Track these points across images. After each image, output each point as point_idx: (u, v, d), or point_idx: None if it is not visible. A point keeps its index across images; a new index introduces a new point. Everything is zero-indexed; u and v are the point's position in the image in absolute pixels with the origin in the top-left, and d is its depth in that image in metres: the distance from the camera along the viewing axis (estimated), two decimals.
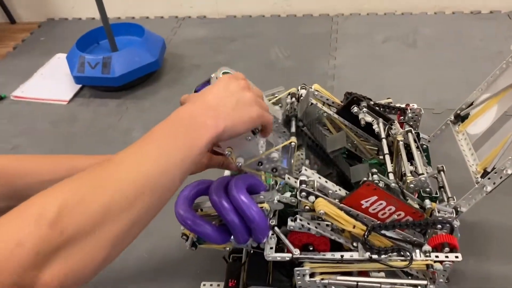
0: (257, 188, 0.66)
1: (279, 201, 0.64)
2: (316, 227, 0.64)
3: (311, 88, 0.85)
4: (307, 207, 0.63)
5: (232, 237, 0.65)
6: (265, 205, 0.63)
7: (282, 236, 0.66)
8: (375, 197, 0.65)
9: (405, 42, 1.67)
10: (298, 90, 0.84)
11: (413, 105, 0.86)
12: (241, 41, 1.81)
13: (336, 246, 0.70)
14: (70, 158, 0.64)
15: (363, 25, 1.83)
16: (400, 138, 0.78)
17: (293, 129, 0.73)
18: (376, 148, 0.90)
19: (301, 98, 0.81)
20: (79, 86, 1.59)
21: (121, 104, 1.50)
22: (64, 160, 0.62)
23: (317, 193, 0.62)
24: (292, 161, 0.71)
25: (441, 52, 1.57)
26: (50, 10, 2.21)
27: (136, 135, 1.35)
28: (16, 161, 0.57)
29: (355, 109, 0.82)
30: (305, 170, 0.65)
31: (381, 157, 0.90)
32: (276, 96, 0.86)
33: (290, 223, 0.65)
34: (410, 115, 0.85)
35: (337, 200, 0.64)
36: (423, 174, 0.70)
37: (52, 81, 1.65)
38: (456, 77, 1.43)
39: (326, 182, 0.66)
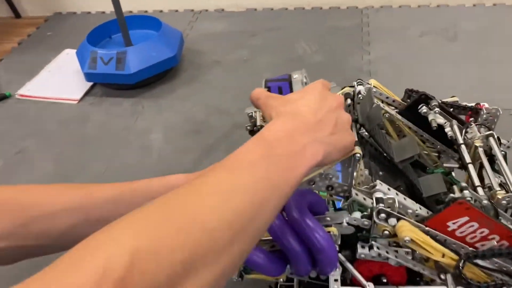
0: (318, 207, 0.55)
1: (348, 223, 0.52)
2: (396, 256, 0.53)
3: (369, 84, 0.73)
4: (386, 232, 0.51)
5: (288, 266, 0.53)
6: (333, 229, 0.51)
7: (350, 267, 0.54)
8: (466, 218, 0.53)
9: (444, 36, 1.55)
10: (355, 86, 0.72)
11: (483, 104, 0.74)
12: (263, 35, 1.70)
13: (411, 276, 0.58)
14: (85, 186, 0.50)
15: (396, 18, 1.71)
16: (478, 143, 0.66)
17: (355, 137, 0.61)
18: (437, 154, 0.78)
19: (360, 97, 0.70)
20: (90, 84, 1.48)
21: (136, 103, 1.39)
22: (77, 188, 0.49)
23: (399, 214, 0.51)
24: (355, 174, 0.59)
25: (487, 47, 1.45)
26: (57, 4, 2.10)
27: (155, 137, 1.24)
28: (18, 193, 0.44)
29: (423, 109, 0.70)
30: (380, 184, 0.53)
31: (446, 165, 0.78)
32: None
33: (362, 250, 0.53)
34: (484, 116, 0.73)
35: (418, 222, 0.52)
36: None
37: (60, 79, 1.54)
38: (510, 73, 1.30)
39: (405, 199, 0.54)
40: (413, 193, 0.66)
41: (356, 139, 0.59)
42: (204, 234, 0.29)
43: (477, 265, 0.54)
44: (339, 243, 0.52)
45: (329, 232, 0.51)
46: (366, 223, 0.53)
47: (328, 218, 0.52)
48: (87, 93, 1.46)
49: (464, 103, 0.76)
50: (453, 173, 0.71)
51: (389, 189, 0.54)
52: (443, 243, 0.53)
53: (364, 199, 0.56)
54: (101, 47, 1.50)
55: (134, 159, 1.17)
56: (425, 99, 0.71)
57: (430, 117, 0.70)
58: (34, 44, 1.84)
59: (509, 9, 1.67)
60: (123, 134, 1.27)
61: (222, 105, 1.34)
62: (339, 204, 0.63)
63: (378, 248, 0.52)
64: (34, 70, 1.60)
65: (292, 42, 1.62)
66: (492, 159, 0.67)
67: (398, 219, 0.50)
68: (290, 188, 0.37)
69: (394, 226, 0.50)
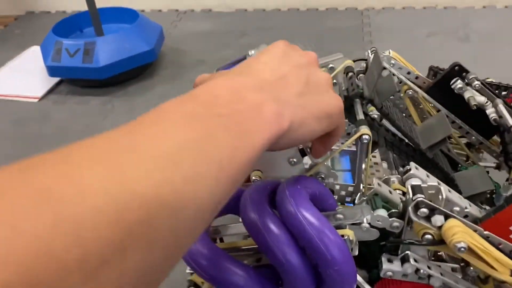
0: (324, 202, 0.38)
1: (371, 225, 0.36)
2: (442, 274, 0.36)
3: (387, 53, 0.58)
4: (427, 236, 0.34)
5: None
6: (348, 232, 0.35)
7: None
8: None
9: (455, 36, 1.42)
10: (368, 56, 0.57)
11: None
12: (253, 35, 1.56)
13: None
14: None
15: (400, 19, 1.58)
16: None
17: (360, 115, 0.45)
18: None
19: (361, 71, 0.54)
20: (54, 81, 1.32)
21: (106, 102, 1.23)
22: None
23: (446, 210, 0.34)
24: (363, 166, 0.43)
25: (501, 48, 1.32)
26: (29, 2, 1.96)
27: None
28: None
29: (458, 84, 0.55)
30: (416, 168, 0.37)
31: (480, 163, 0.62)
32: (331, 68, 0.59)
33: (389, 266, 0.37)
34: None
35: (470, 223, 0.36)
36: None
37: (22, 76, 1.38)
38: None
39: (450, 191, 0.38)
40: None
41: (363, 118, 0.43)
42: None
43: None
44: (356, 253, 0.36)
45: (342, 236, 0.35)
46: (396, 224, 0.36)
47: (341, 216, 0.35)
48: (51, 91, 1.30)
49: (505, 83, 0.61)
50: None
51: (428, 175, 0.38)
52: (508, 254, 0.36)
53: (390, 192, 0.39)
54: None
55: None
56: (460, 71, 0.56)
57: (467, 95, 0.54)
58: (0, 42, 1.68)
59: None
60: (87, 134, 1.09)
61: None
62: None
63: (416, 260, 0.35)
64: None
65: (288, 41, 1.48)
66: None
67: (447, 216, 0.34)
68: (243, 163, 0.25)
69: (440, 227, 0.34)
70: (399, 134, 0.49)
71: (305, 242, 0.33)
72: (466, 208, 0.38)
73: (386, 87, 0.45)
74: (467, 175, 0.51)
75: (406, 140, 0.49)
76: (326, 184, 0.42)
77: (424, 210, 0.33)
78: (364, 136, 0.39)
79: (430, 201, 0.36)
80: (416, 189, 0.35)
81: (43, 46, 1.30)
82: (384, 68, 0.54)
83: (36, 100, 1.26)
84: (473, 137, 0.59)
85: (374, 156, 0.55)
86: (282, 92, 0.30)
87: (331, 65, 0.60)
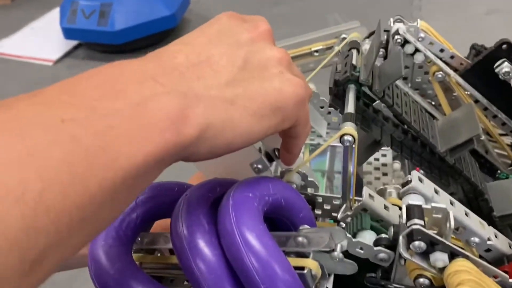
0: (294, 212, 0.29)
1: (347, 254, 0.26)
2: None
3: (414, 23, 0.46)
4: (423, 279, 0.25)
5: None
6: (310, 264, 0.25)
7: None
8: None
9: None
10: (391, 25, 0.46)
11: None
12: (288, 4, 1.45)
13: None
14: None
15: None
16: None
17: (349, 107, 0.33)
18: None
19: (398, 40, 0.43)
20: (73, 44, 1.28)
21: None
22: None
23: (454, 246, 0.24)
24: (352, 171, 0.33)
25: None
26: None
27: None
28: None
29: (504, 67, 0.43)
30: (419, 181, 0.27)
31: None
32: (344, 38, 0.49)
33: None
34: None
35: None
36: None
37: (42, 38, 1.35)
38: None
39: (466, 215, 0.28)
40: (477, 208, 0.39)
41: (351, 111, 0.33)
42: None
43: None
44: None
45: (299, 269, 0.25)
46: (383, 256, 0.27)
47: (303, 240, 0.26)
48: (67, 55, 1.26)
49: None
50: None
51: (436, 191, 0.27)
52: None
53: (386, 207, 0.30)
54: None
55: None
56: (508, 50, 0.44)
57: None
58: (29, 0, 1.66)
59: None
60: None
61: None
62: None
63: None
64: (17, 27, 1.41)
65: (322, 13, 1.36)
66: None
67: (453, 255, 0.24)
68: (106, 191, 0.17)
69: (442, 269, 0.24)
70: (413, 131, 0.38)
71: (242, 275, 0.24)
72: (489, 240, 0.28)
73: (391, 69, 0.34)
74: (504, 187, 0.40)
75: (421, 139, 0.38)
76: (305, 196, 0.33)
77: (421, 244, 0.24)
78: (345, 138, 0.29)
79: (435, 230, 0.26)
80: (413, 211, 0.25)
81: (62, 7, 1.25)
82: (404, 44, 0.43)
83: (51, 63, 1.22)
84: None
85: (384, 155, 0.44)
86: (196, 82, 0.21)
87: (343, 35, 0.49)
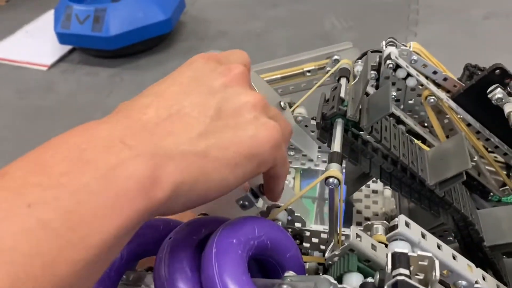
0: (280, 252, 0.29)
1: None
2: None
3: (406, 46, 0.46)
4: None
5: None
6: None
7: None
8: None
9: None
10: (383, 49, 0.46)
11: None
12: (286, 7, 1.44)
13: None
14: None
15: None
16: None
17: (335, 145, 0.33)
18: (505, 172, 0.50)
19: (389, 65, 0.43)
20: (67, 48, 1.27)
21: (115, 75, 1.16)
22: None
23: None
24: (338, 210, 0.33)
25: None
26: None
27: None
28: None
29: (497, 93, 0.43)
30: (405, 225, 0.27)
31: None
32: (336, 60, 0.48)
33: None
34: None
35: None
36: None
37: (36, 41, 1.34)
38: None
39: (454, 258, 0.28)
40: (468, 237, 0.39)
41: (338, 150, 0.32)
42: None
43: None
44: None
45: None
46: None
47: (285, 287, 0.26)
48: (61, 59, 1.25)
49: None
50: None
51: (423, 235, 0.27)
52: None
53: (373, 247, 0.29)
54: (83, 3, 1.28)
55: None
56: (501, 76, 0.44)
57: (508, 109, 0.42)
58: (24, 1, 1.64)
59: None
60: (89, 110, 1.04)
61: None
62: None
63: None
64: (12, 29, 1.40)
65: (320, 16, 1.36)
66: None
67: None
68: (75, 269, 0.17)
69: None
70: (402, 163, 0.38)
71: None
72: (477, 283, 0.28)
73: (379, 104, 0.34)
74: (496, 215, 0.40)
75: (411, 173, 0.38)
76: (292, 231, 0.33)
77: None
78: (330, 180, 0.29)
79: (421, 276, 0.26)
80: (399, 259, 0.25)
81: (56, 11, 1.24)
82: (396, 69, 0.43)
83: (45, 68, 1.21)
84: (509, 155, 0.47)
85: (375, 181, 0.44)
86: (166, 140, 0.21)
87: (335, 57, 0.49)
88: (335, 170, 0.29)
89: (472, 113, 0.45)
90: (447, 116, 0.47)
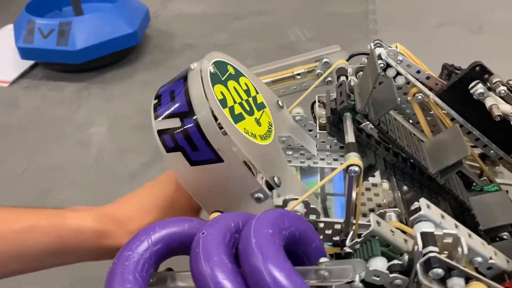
0: (308, 243, 0.30)
1: (366, 284, 0.27)
2: None
3: (392, 48, 0.48)
4: None
5: None
6: None
7: None
8: None
9: (468, 28, 1.32)
10: (371, 49, 0.48)
11: None
12: (249, 19, 1.46)
13: None
14: None
15: (408, 7, 1.49)
16: None
17: (349, 136, 0.35)
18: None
19: (381, 64, 0.45)
20: (28, 64, 1.23)
21: (82, 89, 1.14)
22: None
23: (470, 271, 0.26)
24: (354, 195, 0.34)
25: None
26: None
27: (96, 131, 0.98)
28: None
29: (478, 88, 0.46)
30: (427, 207, 0.29)
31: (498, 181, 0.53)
32: (326, 63, 0.50)
33: None
34: None
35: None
36: None
37: None
38: None
39: (470, 236, 0.29)
40: (464, 223, 0.41)
41: (352, 140, 0.34)
42: None
43: None
44: None
45: None
46: (398, 282, 0.28)
47: (325, 273, 0.26)
48: (23, 75, 1.21)
49: None
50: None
51: (442, 216, 0.29)
52: None
53: (392, 232, 0.31)
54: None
55: (65, 157, 0.92)
56: (482, 73, 0.47)
57: (489, 102, 0.45)
58: None
59: None
60: (58, 125, 1.01)
61: None
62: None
63: None
64: None
65: (284, 27, 1.39)
66: None
67: (468, 279, 0.25)
68: None
69: None
70: (402, 154, 0.40)
71: None
72: (491, 258, 0.30)
73: (384, 97, 0.36)
74: (486, 201, 0.42)
75: (411, 161, 0.40)
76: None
77: (438, 271, 0.25)
78: (352, 168, 0.30)
79: (447, 255, 0.28)
80: (428, 238, 0.26)
81: (16, 25, 1.20)
82: (386, 68, 0.45)
83: (6, 85, 1.17)
84: (492, 151, 0.51)
85: (373, 176, 0.46)
86: None
87: (325, 60, 0.51)
88: (356, 158, 0.30)
89: (455, 108, 0.48)
90: (431, 112, 0.50)
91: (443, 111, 0.49)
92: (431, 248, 0.26)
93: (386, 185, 0.45)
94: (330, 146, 0.47)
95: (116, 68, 1.20)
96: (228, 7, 1.57)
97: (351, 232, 0.32)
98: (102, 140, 0.96)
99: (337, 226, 0.35)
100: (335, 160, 0.46)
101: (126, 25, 1.16)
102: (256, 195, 0.34)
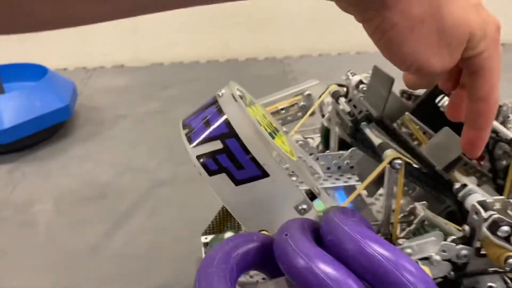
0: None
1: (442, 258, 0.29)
2: None
3: (363, 75, 0.54)
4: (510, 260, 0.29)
5: None
6: (426, 270, 0.28)
7: None
8: None
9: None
10: (349, 79, 0.53)
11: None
12: (176, 87, 1.50)
13: None
14: None
15: (321, 65, 1.64)
16: None
17: (375, 140, 0.39)
18: None
19: (362, 88, 0.50)
20: None
21: (13, 170, 1.05)
22: None
23: None
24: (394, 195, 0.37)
25: None
26: None
27: (40, 209, 0.91)
28: None
29: (445, 102, 0.52)
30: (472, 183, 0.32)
31: None
32: (309, 95, 0.54)
33: None
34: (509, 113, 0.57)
35: None
36: None
37: None
38: None
39: None
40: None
41: (380, 141, 0.38)
42: None
43: None
44: None
45: None
46: (464, 252, 0.30)
47: (409, 250, 0.28)
48: None
49: None
50: None
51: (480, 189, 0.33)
52: None
53: (434, 217, 0.33)
54: None
55: (9, 241, 0.83)
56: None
57: None
58: None
59: None
60: None
61: (134, 161, 1.06)
62: None
63: None
64: None
65: (210, 91, 1.42)
66: None
67: None
68: None
69: None
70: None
71: (381, 280, 0.25)
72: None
73: (394, 107, 0.41)
74: (435, 143, 0.46)
75: (413, 163, 0.44)
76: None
77: (506, 228, 0.28)
78: (395, 161, 0.33)
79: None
80: (484, 205, 0.29)
81: None
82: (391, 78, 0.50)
83: None
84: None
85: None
86: None
87: (307, 92, 0.55)
88: (395, 152, 0.33)
89: (426, 123, 0.54)
90: (404, 130, 0.56)
91: (416, 127, 0.55)
92: (491, 212, 0.29)
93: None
94: (329, 168, 0.50)
95: (49, 144, 1.14)
96: (151, 77, 1.59)
97: (399, 225, 0.35)
98: (49, 218, 0.88)
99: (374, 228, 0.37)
100: (337, 179, 0.49)
101: (57, 100, 1.12)
102: (300, 207, 0.35)
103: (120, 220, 0.86)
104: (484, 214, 0.29)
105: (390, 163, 0.33)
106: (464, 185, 0.32)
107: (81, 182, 1.00)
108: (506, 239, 0.29)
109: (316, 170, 0.48)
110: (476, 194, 0.31)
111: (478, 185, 0.61)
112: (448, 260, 0.30)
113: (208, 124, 0.36)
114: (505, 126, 0.51)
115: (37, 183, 1.01)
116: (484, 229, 0.29)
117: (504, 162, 0.54)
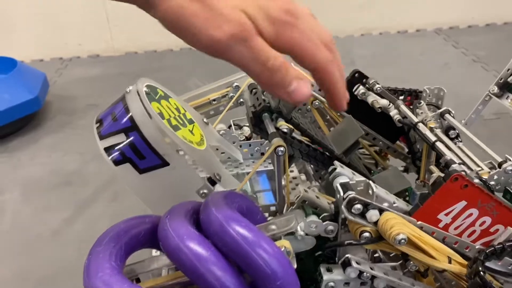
0: (253, 216, 0.35)
1: (306, 233, 0.33)
2: (385, 274, 0.34)
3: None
4: (365, 234, 0.33)
5: None
6: (285, 243, 0.32)
7: None
8: (463, 203, 0.37)
9: (344, 62, 1.52)
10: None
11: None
12: (149, 75, 1.49)
13: None
14: None
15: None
16: (433, 124, 0.53)
17: (270, 129, 0.43)
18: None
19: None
20: None
21: None
22: None
23: (379, 204, 0.33)
24: (284, 181, 0.41)
25: (382, 69, 1.44)
26: None
27: (8, 198, 0.94)
28: None
29: (360, 89, 0.56)
30: (341, 167, 0.36)
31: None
32: (237, 86, 0.58)
33: (329, 276, 0.34)
34: (428, 98, 0.61)
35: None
36: (507, 162, 0.44)
37: None
38: None
39: (376, 187, 0.37)
40: None
41: (273, 130, 0.42)
42: None
43: (490, 269, 0.37)
44: (295, 266, 0.32)
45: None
46: (331, 227, 0.34)
47: (273, 227, 0.32)
48: None
49: (401, 87, 0.64)
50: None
51: (353, 173, 0.36)
52: (442, 242, 0.36)
53: (317, 197, 0.37)
54: None
55: None
56: (360, 77, 0.57)
57: (370, 99, 0.56)
58: None
59: (394, 36, 1.73)
60: None
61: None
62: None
63: (358, 263, 0.33)
64: None
65: (183, 79, 1.46)
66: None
67: (381, 210, 0.33)
68: None
69: (376, 223, 0.32)
70: (312, 145, 0.48)
71: (240, 258, 0.29)
72: (394, 203, 0.37)
73: (348, 131, 0.45)
74: (384, 176, 0.52)
75: (321, 149, 0.48)
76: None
77: (358, 206, 0.32)
78: (279, 148, 0.37)
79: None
80: (346, 186, 0.33)
81: None
82: None
83: None
84: (381, 142, 0.61)
85: (291, 171, 0.54)
86: None
87: (236, 84, 0.58)
88: (280, 140, 0.37)
89: (348, 111, 0.58)
90: (327, 117, 0.60)
91: (337, 113, 0.58)
92: (349, 192, 0.33)
93: (303, 177, 0.53)
94: (252, 154, 0.54)
95: (19, 136, 1.17)
96: (125, 66, 1.61)
97: (285, 205, 0.38)
98: (16, 206, 0.92)
99: (273, 208, 0.41)
100: (253, 161, 0.53)
101: (26, 92, 1.15)
102: (201, 191, 0.39)
103: (83, 206, 0.90)
104: (343, 194, 0.33)
105: (275, 150, 0.37)
106: (334, 169, 0.35)
107: (49, 171, 1.03)
108: (360, 215, 0.33)
109: (236, 157, 0.52)
110: (342, 177, 0.35)
111: (406, 167, 0.65)
112: (319, 236, 0.34)
113: (115, 118, 0.39)
114: (413, 111, 0.54)
115: (7, 173, 1.04)
116: (343, 207, 0.32)
117: (418, 146, 0.58)
